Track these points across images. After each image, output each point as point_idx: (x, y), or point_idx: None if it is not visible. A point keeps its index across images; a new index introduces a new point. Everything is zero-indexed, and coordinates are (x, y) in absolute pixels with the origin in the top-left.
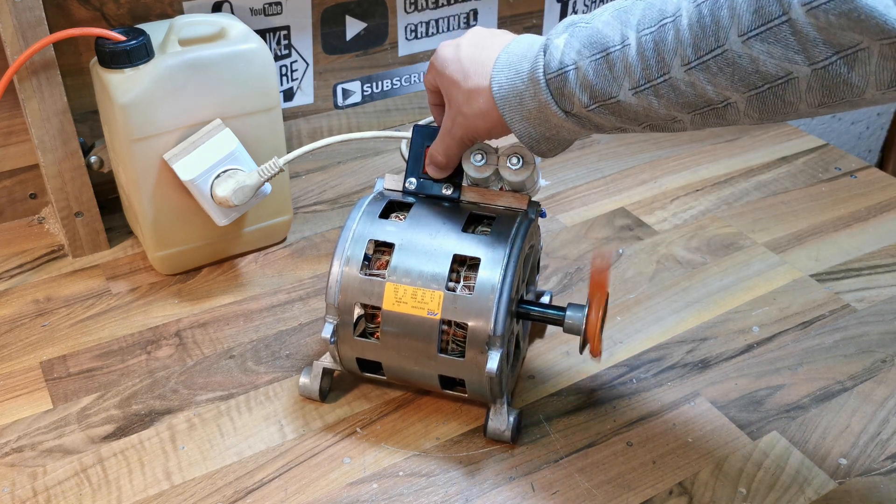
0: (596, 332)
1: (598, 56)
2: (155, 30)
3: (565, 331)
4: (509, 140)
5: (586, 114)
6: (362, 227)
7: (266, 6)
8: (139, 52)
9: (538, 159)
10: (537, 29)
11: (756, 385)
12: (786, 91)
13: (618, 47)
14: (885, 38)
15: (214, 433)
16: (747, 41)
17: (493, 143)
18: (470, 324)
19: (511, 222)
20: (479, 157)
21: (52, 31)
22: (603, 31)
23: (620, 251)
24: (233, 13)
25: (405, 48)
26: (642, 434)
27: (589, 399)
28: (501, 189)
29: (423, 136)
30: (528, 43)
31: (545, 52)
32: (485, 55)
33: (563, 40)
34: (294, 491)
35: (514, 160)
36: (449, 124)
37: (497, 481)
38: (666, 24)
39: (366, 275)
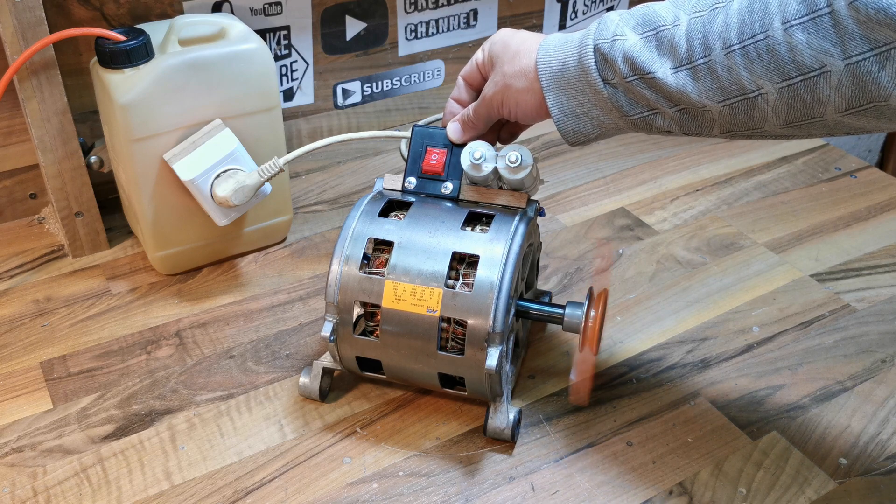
0: (595, 331)
1: (648, 33)
2: (155, 30)
3: (565, 329)
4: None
5: (624, 85)
6: (361, 226)
7: (266, 6)
8: (139, 52)
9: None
10: (537, 29)
11: (756, 385)
12: (817, 86)
13: (668, 27)
14: None
15: (214, 433)
16: (789, 29)
17: (497, 144)
18: (469, 321)
19: (510, 220)
20: (478, 155)
21: (52, 31)
22: (658, 12)
23: (620, 251)
24: (233, 13)
25: (405, 48)
26: (642, 434)
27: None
28: (501, 188)
29: (423, 137)
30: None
31: (599, 24)
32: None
33: (619, 16)
34: (294, 491)
35: (513, 158)
36: (486, 88)
37: (497, 481)
38: (717, 8)
39: (365, 273)
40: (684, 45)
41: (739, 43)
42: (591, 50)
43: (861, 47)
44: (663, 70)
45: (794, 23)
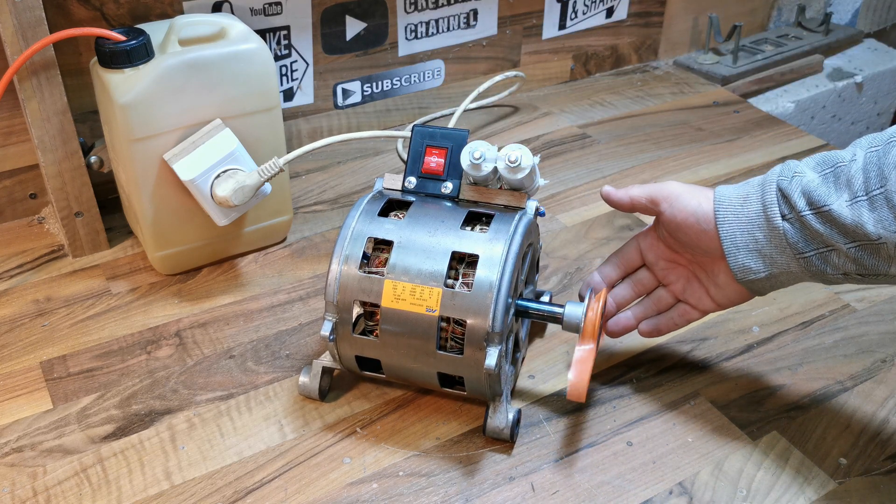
0: (595, 329)
1: (827, 170)
2: (155, 30)
3: (564, 328)
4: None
5: (799, 219)
6: (361, 226)
7: (266, 6)
8: (139, 52)
9: (537, 158)
10: (537, 29)
11: (756, 385)
12: None
13: (846, 163)
14: None
15: (214, 433)
16: None
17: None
18: (468, 320)
19: (509, 220)
20: (478, 154)
21: (52, 31)
22: (838, 152)
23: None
24: (233, 13)
25: (405, 48)
26: (642, 434)
27: (589, 399)
28: (501, 188)
29: (423, 136)
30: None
31: (782, 166)
32: None
33: (802, 161)
34: (294, 491)
35: (513, 158)
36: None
37: (497, 481)
38: (893, 141)
39: (365, 272)
40: (860, 177)
41: None
42: (774, 188)
43: None
44: (839, 203)
45: None
